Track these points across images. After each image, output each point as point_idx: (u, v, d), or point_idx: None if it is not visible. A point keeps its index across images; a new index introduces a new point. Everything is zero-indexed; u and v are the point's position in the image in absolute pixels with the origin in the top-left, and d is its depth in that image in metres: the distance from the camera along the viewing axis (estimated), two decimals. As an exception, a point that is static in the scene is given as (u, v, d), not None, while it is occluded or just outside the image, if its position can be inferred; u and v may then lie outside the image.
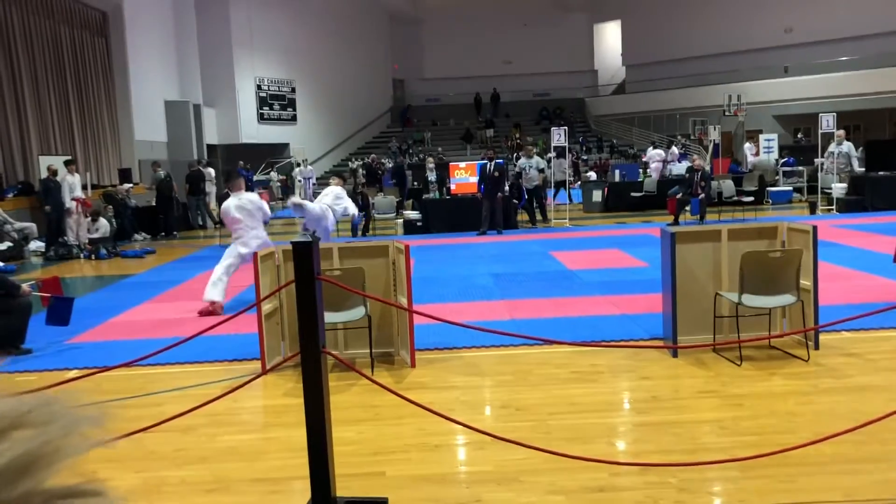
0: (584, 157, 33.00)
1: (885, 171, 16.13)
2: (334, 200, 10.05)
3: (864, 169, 16.84)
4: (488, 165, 14.69)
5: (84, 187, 16.12)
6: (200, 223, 19.32)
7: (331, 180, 10.94)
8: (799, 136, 29.68)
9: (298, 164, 29.72)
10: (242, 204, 8.33)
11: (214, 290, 8.16)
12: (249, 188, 8.84)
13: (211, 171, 21.80)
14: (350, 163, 33.28)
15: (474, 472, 3.87)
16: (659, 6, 35.93)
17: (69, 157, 16.43)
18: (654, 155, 22.48)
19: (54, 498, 0.57)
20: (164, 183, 17.89)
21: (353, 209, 10.62)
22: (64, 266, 13.06)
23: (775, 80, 30.42)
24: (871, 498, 3.37)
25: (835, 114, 16.18)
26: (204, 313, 8.06)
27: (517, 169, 17.17)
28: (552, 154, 19.28)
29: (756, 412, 4.50)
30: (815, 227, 5.64)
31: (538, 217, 16.44)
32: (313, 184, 27.45)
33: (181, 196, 19.17)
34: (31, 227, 14.84)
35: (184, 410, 3.79)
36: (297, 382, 5.33)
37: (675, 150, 24.05)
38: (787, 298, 5.50)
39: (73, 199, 14.74)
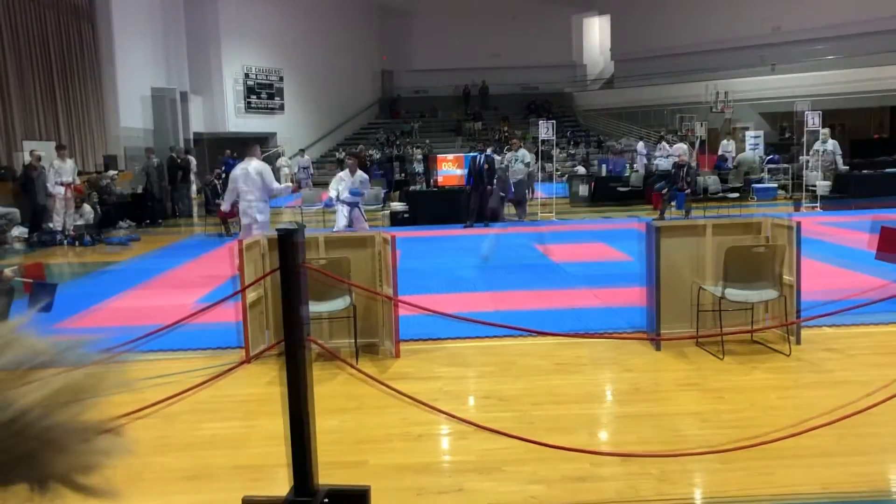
0: (572, 152, 33.02)
1: (869, 168, 16.28)
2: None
3: (847, 167, 16.98)
4: (478, 158, 14.66)
5: (80, 173, 15.97)
6: (186, 212, 19.22)
7: (347, 160, 11.80)
8: (787, 134, 29.80)
9: (281, 155, 29.58)
10: (247, 169, 8.76)
11: None
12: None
13: (192, 159, 21.44)
14: (337, 153, 33.20)
15: (457, 462, 3.89)
16: (647, 1, 35.98)
17: (61, 144, 16.27)
18: (638, 147, 22.82)
19: (88, 430, 0.65)
20: (157, 170, 17.79)
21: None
22: (47, 253, 12.96)
23: (761, 77, 30.56)
24: (847, 490, 3.41)
25: (820, 112, 16.28)
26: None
27: (504, 163, 17.15)
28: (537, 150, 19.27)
29: (737, 405, 4.54)
30: (798, 223, 5.68)
31: (511, 212, 16.34)
32: (311, 174, 27.33)
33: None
34: (14, 212, 14.69)
35: (166, 398, 3.78)
36: (280, 371, 5.33)
37: (665, 145, 24.01)
38: (770, 293, 5.54)
39: (60, 183, 14.56)
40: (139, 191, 18.35)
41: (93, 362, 0.68)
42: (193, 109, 27.70)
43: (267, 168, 9.22)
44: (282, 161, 28.71)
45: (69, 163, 14.99)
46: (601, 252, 10.85)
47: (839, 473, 3.57)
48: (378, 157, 25.99)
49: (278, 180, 27.76)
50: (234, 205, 9.42)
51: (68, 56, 20.31)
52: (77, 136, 20.51)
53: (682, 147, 22.89)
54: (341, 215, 10.37)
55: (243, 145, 9.65)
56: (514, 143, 17.28)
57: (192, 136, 26.67)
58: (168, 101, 25.16)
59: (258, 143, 9.75)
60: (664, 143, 23.86)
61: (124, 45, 22.75)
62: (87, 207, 14.62)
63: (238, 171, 8.94)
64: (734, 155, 22.90)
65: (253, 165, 8.89)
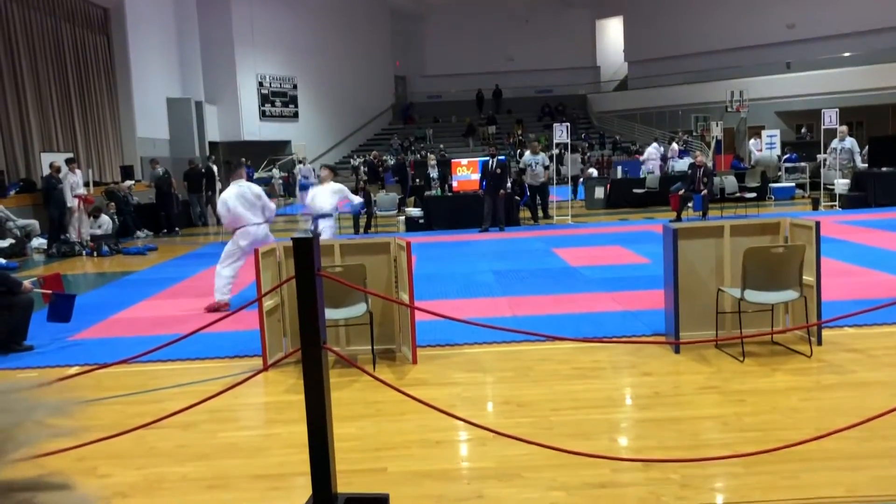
0: (587, 154, 32.96)
1: (888, 166, 16.10)
2: (331, 196, 9.71)
3: (866, 165, 16.80)
4: (490, 162, 14.67)
5: (86, 184, 16.14)
6: (202, 221, 19.36)
7: (320, 173, 10.27)
8: (802, 130, 29.60)
9: (300, 162, 29.73)
10: (242, 192, 8.06)
11: (219, 288, 8.14)
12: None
13: (210, 167, 21.61)
14: (352, 160, 33.30)
15: (476, 469, 3.86)
16: (661, 2, 35.85)
17: (71, 156, 16.43)
18: (651, 153, 22.71)
19: (13, 490, 0.54)
20: (163, 179, 17.88)
21: (355, 199, 10.43)
22: (66, 263, 13.07)
23: (778, 76, 30.34)
24: (872, 494, 3.36)
25: (837, 110, 16.11)
26: (210, 309, 8.03)
27: (522, 165, 17.15)
28: (555, 151, 19.24)
29: (758, 408, 4.49)
30: (817, 223, 5.61)
31: (539, 214, 16.43)
32: (313, 183, 27.57)
33: (182, 193, 19.19)
34: (33, 224, 14.85)
35: (185, 407, 3.78)
36: (298, 379, 5.33)
37: (675, 146, 24.12)
38: (790, 294, 5.48)
39: (74, 196, 14.76)
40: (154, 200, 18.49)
41: (13, 413, 0.55)
42: (209, 118, 27.92)
43: (259, 189, 8.52)
44: (300, 168, 28.79)
45: (79, 174, 15.16)
46: (619, 255, 10.79)
47: (864, 477, 3.51)
48: (392, 162, 26.04)
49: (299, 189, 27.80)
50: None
51: (84, 69, 20.52)
52: (94, 147, 20.72)
53: (655, 148, 23.08)
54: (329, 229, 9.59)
55: (237, 168, 8.67)
56: (535, 147, 17.25)
57: (207, 145, 26.88)
58: (184, 111, 25.38)
59: (243, 164, 9.15)
60: (674, 144, 23.85)
61: (139, 57, 22.97)
62: (104, 217, 14.73)
63: (232, 199, 8.04)
64: (761, 150, 22.84)
65: (247, 186, 8.21)
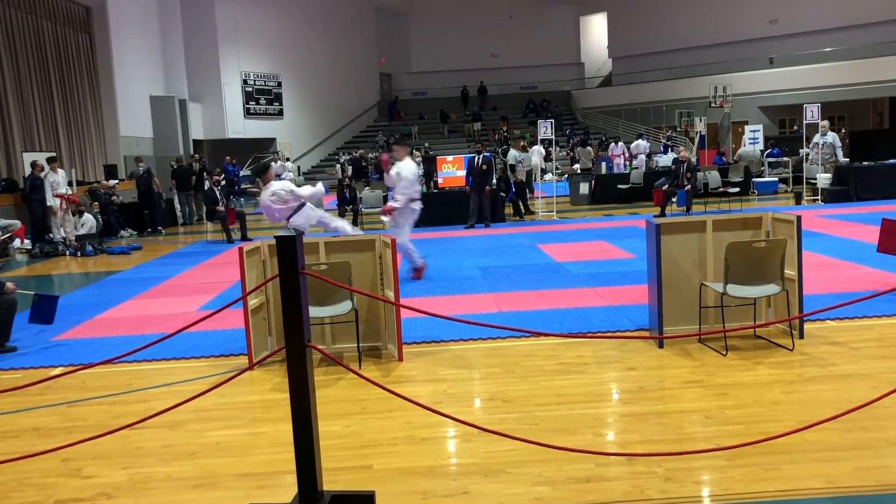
0: (571, 153, 33.05)
1: (869, 160, 16.24)
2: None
3: (848, 159, 16.95)
4: (476, 158, 14.70)
5: (70, 184, 15.99)
6: (191, 219, 19.25)
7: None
8: (795, 126, 29.79)
9: (288, 159, 29.62)
10: (276, 191, 8.58)
11: None
12: (236, 184, 8.81)
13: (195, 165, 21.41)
14: (337, 157, 33.25)
15: (461, 465, 3.88)
16: (644, -2, 36.02)
17: (52, 154, 16.28)
18: (614, 149, 23.18)
19: None
20: (142, 178, 17.73)
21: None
22: (49, 263, 12.98)
23: (760, 72, 30.54)
24: (853, 485, 3.40)
25: (819, 104, 16.24)
26: None
27: (510, 161, 17.20)
28: (542, 146, 19.33)
29: (741, 401, 4.53)
30: (799, 217, 5.67)
31: (522, 209, 16.46)
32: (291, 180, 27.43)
33: (167, 192, 19.06)
34: (16, 224, 14.72)
35: (170, 406, 3.77)
36: (284, 377, 5.33)
37: (641, 142, 24.29)
38: (772, 288, 5.53)
39: (56, 195, 14.61)
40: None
41: None
42: (193, 116, 27.77)
43: (285, 184, 8.79)
44: (288, 166, 28.67)
45: (61, 173, 15.02)
46: (603, 251, 10.84)
47: (845, 468, 3.56)
48: (374, 160, 25.99)
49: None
50: (231, 210, 9.18)
51: (66, 67, 20.34)
52: (77, 145, 20.56)
53: (640, 144, 23.50)
54: None
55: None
56: (519, 143, 17.37)
57: (192, 143, 26.73)
58: (168, 109, 25.22)
59: (267, 168, 9.18)
60: (640, 140, 24.14)
61: (122, 55, 22.80)
62: (88, 216, 14.63)
63: (265, 199, 8.65)
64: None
65: (279, 186, 8.69)
